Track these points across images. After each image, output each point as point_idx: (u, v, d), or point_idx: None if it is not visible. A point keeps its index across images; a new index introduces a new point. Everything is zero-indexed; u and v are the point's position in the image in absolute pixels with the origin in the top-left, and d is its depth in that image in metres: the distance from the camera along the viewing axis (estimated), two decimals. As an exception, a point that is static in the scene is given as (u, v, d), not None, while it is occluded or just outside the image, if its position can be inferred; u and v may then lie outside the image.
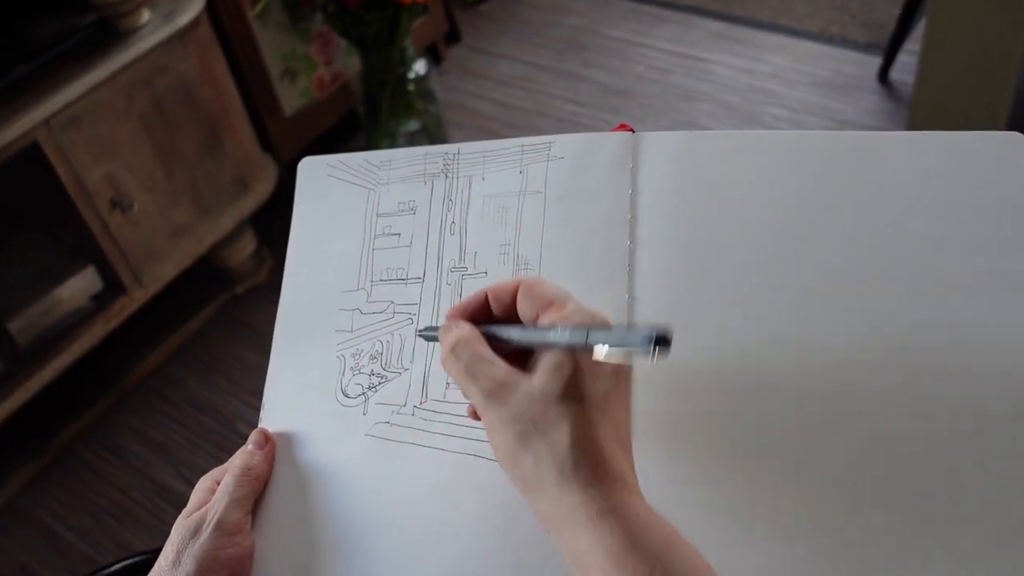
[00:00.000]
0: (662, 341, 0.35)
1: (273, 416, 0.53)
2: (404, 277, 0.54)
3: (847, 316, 0.45)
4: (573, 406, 0.38)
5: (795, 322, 0.46)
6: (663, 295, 0.48)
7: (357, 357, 0.53)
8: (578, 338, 0.38)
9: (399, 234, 0.55)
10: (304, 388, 0.53)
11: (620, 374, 0.40)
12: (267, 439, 0.51)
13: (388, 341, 0.53)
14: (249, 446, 0.51)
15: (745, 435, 0.44)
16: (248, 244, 1.77)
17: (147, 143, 1.49)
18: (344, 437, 0.50)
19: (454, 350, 0.42)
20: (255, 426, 0.53)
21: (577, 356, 0.38)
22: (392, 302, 0.54)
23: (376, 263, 0.55)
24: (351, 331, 0.54)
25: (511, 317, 0.42)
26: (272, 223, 1.78)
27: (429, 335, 0.48)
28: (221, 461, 0.51)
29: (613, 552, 0.35)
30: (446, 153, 0.56)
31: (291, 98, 1.89)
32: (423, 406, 0.50)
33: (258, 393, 0.55)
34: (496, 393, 0.40)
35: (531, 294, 0.42)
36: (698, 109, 2.09)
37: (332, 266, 0.56)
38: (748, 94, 2.11)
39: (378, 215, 0.56)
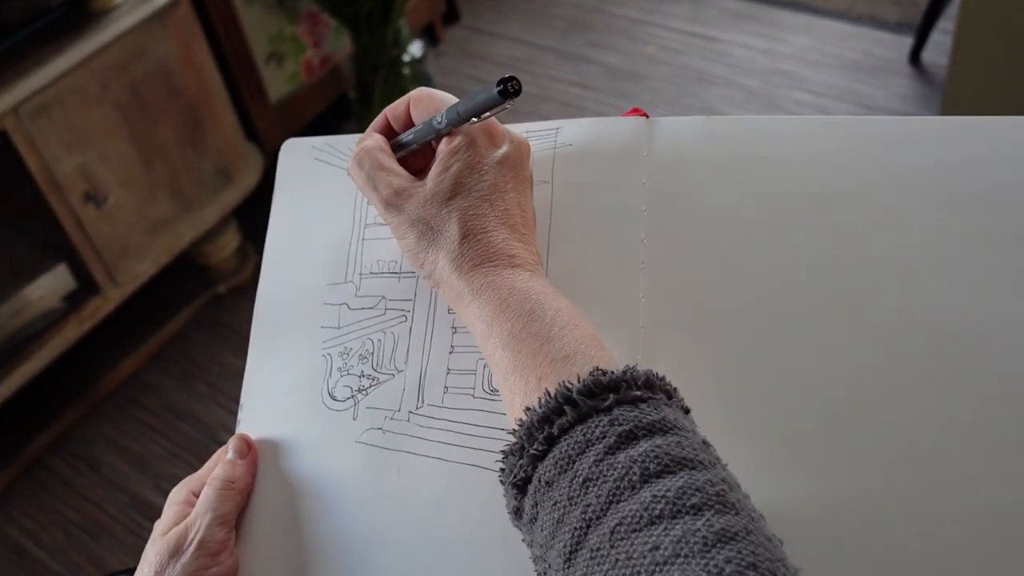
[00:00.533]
0: (510, 87, 0.42)
1: (252, 420, 0.53)
2: (397, 271, 0.54)
3: (873, 313, 0.45)
4: (460, 202, 0.45)
5: (819, 320, 0.45)
6: (680, 293, 0.48)
7: (345, 356, 0.52)
8: (451, 115, 0.45)
9: (392, 224, 0.52)
10: (286, 389, 0.53)
11: (506, 165, 0.46)
12: (249, 447, 0.51)
13: (380, 340, 0.52)
14: (230, 454, 0.50)
15: (769, 435, 0.44)
16: (231, 240, 1.77)
17: (123, 132, 1.48)
18: (332, 444, 0.50)
19: (357, 159, 0.48)
20: (235, 432, 0.52)
21: (463, 155, 0.45)
22: (384, 297, 0.53)
23: (366, 255, 0.55)
24: (338, 327, 0.53)
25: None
26: (257, 217, 1.76)
27: None
28: None
29: (484, 319, 0.42)
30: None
31: (277, 83, 1.88)
32: (419, 411, 0.49)
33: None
34: (394, 201, 0.46)
35: (420, 103, 0.48)
36: (714, 93, 2.07)
37: (317, 257, 0.56)
38: (768, 77, 2.09)
39: (369, 203, 0.55)
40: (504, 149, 0.47)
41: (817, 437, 0.43)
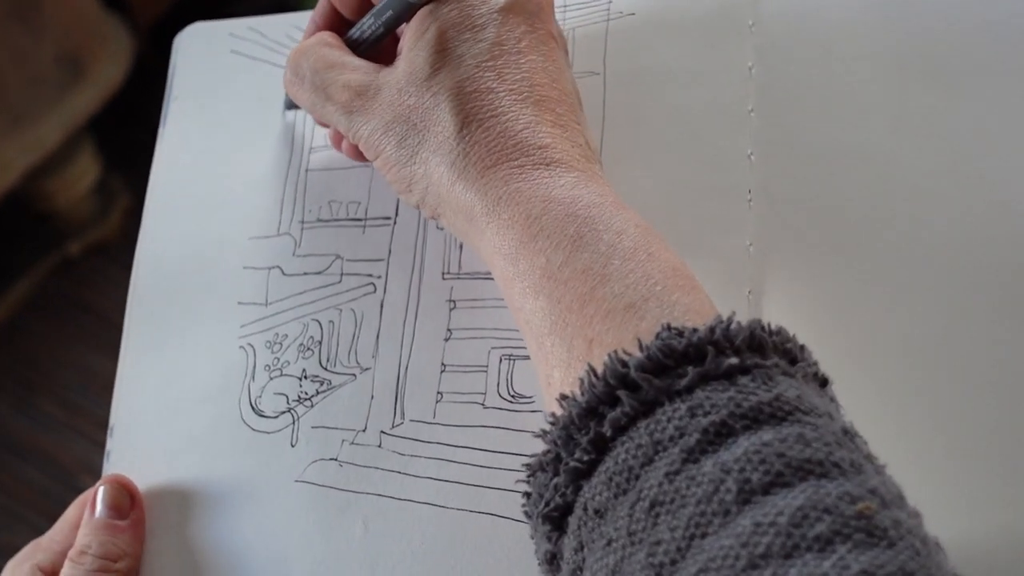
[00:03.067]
0: None
1: (130, 453, 0.52)
2: (360, 216, 0.54)
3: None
4: (449, 76, 0.44)
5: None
6: (805, 237, 0.48)
7: (276, 348, 0.52)
8: None
9: (352, 147, 0.54)
10: (183, 402, 0.53)
11: (514, 12, 0.45)
12: (132, 498, 0.50)
13: (332, 322, 0.52)
14: (101, 511, 0.50)
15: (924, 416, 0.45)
16: (86, 171, 1.70)
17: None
18: (259, 487, 0.50)
19: (294, 66, 0.48)
20: None
21: (444, 9, 0.44)
22: (339, 256, 0.53)
23: (312, 193, 0.55)
24: (265, 303, 0.53)
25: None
26: (125, 134, 1.69)
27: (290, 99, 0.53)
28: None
29: (505, 251, 0.41)
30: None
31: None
32: (396, 432, 0.49)
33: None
34: (357, 104, 0.46)
35: None
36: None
37: (233, 198, 0.56)
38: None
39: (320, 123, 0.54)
40: None
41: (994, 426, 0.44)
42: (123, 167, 1.71)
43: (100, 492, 0.50)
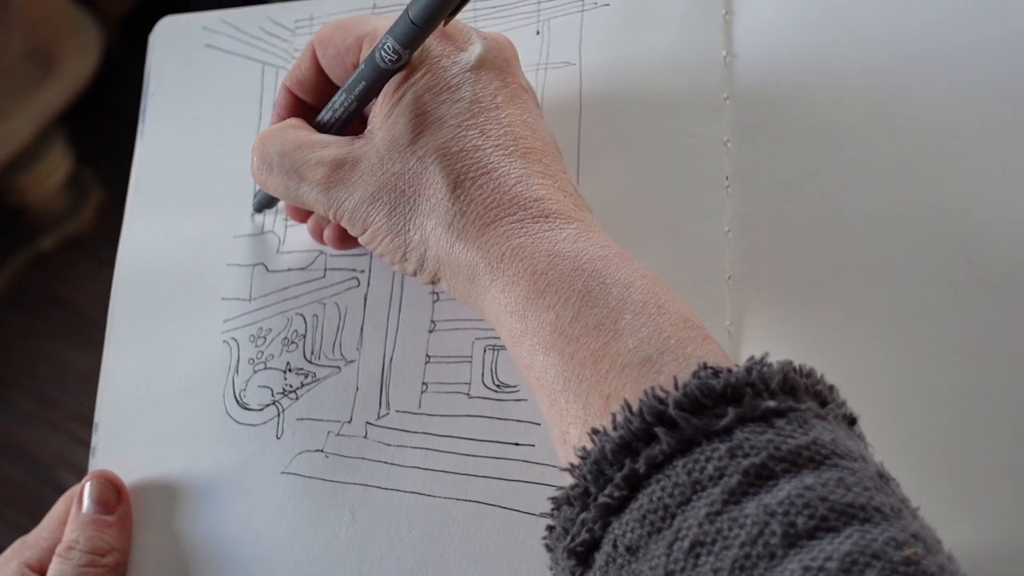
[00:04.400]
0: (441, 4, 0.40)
1: (116, 448, 0.52)
2: None
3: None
4: (433, 138, 0.43)
5: (990, 273, 0.46)
6: (786, 226, 0.48)
7: (260, 343, 0.52)
8: (401, 33, 0.42)
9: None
10: (167, 396, 0.53)
11: (485, 69, 0.45)
12: (119, 493, 0.50)
13: (316, 316, 0.52)
14: (88, 507, 0.50)
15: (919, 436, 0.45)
16: (57, 165, 1.68)
17: None
18: (245, 479, 0.50)
19: (260, 154, 0.47)
20: (87, 472, 0.52)
21: (415, 77, 0.44)
22: (322, 252, 0.53)
23: None
24: (249, 299, 0.53)
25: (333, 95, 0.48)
26: (97, 128, 1.70)
27: (260, 198, 0.53)
28: None
29: (513, 308, 0.41)
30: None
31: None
32: (382, 423, 0.49)
33: (91, 417, 0.54)
34: (335, 178, 0.44)
35: (329, 44, 0.47)
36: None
37: (216, 195, 0.56)
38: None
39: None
40: (476, 49, 0.46)
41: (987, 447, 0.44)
42: (95, 160, 1.69)
43: (87, 487, 0.50)
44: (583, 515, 0.36)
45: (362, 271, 0.52)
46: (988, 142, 0.47)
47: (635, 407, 0.36)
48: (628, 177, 0.50)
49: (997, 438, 0.44)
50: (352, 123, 0.47)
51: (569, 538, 0.37)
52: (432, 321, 0.49)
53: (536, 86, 0.52)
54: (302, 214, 0.49)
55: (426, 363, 0.49)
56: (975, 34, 0.49)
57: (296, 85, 0.49)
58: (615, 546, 0.35)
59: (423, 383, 0.49)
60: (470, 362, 0.48)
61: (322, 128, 0.48)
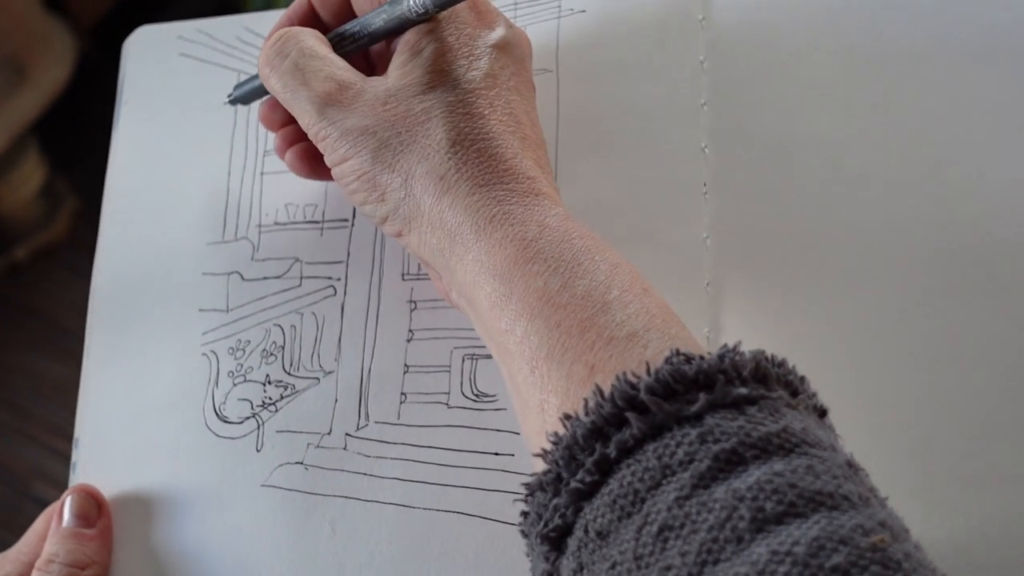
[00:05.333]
0: None
1: (97, 462, 0.52)
2: (318, 219, 0.54)
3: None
4: (445, 94, 0.44)
5: (971, 274, 0.46)
6: (762, 229, 0.48)
7: (239, 355, 0.52)
8: (414, 3, 0.43)
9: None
10: (147, 409, 0.52)
11: (506, 53, 0.46)
12: (100, 507, 0.50)
13: (294, 326, 0.52)
14: (68, 521, 0.49)
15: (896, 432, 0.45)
16: (31, 174, 1.68)
17: None
18: (225, 492, 0.50)
19: (278, 46, 0.46)
20: (64, 485, 0.52)
21: (442, 33, 0.44)
22: (298, 259, 0.53)
23: (268, 196, 0.55)
24: (226, 310, 0.53)
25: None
26: (70, 136, 1.70)
27: (241, 91, 0.53)
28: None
29: (498, 270, 0.41)
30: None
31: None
32: (361, 434, 0.49)
33: (67, 430, 0.54)
34: (335, 97, 0.45)
35: None
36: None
37: (189, 203, 0.56)
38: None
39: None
40: (501, 31, 0.47)
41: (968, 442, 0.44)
42: (69, 169, 1.69)
43: (67, 501, 0.49)
44: (555, 500, 0.37)
45: (338, 279, 0.52)
46: (966, 147, 0.47)
47: (607, 392, 0.36)
48: (606, 183, 0.50)
49: (971, 435, 0.44)
50: (356, 58, 0.48)
51: (542, 523, 0.37)
52: (410, 330, 0.49)
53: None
54: (275, 123, 0.50)
55: (404, 373, 0.49)
56: (951, 38, 0.49)
57: (318, 2, 0.49)
58: (586, 531, 0.36)
59: (402, 393, 0.49)
60: (449, 372, 0.48)
61: (334, 42, 0.48)
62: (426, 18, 0.44)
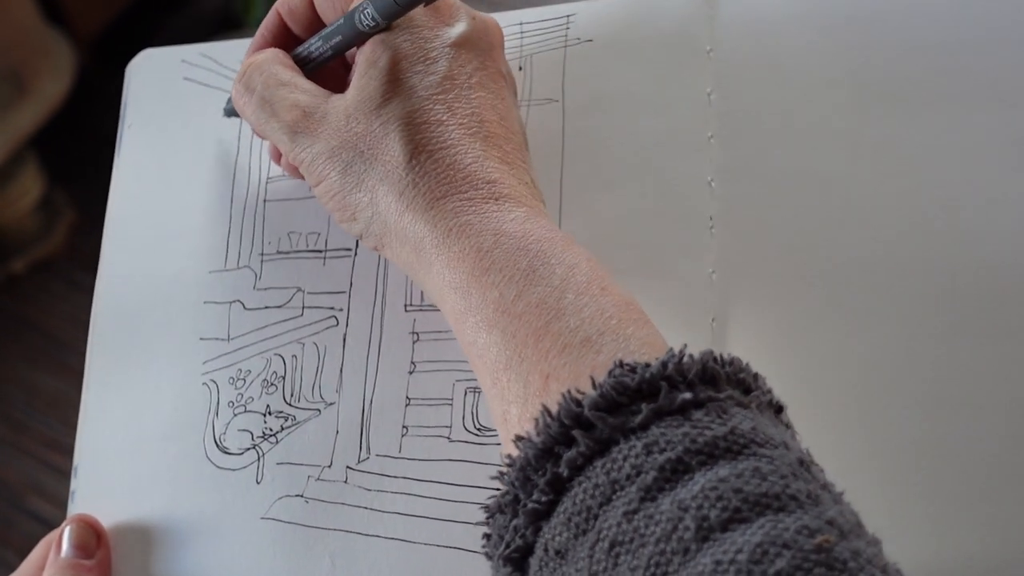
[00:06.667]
0: None
1: (95, 491, 0.52)
2: (321, 248, 0.54)
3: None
4: (400, 106, 0.44)
5: (983, 310, 0.46)
6: (769, 266, 0.48)
7: (240, 384, 0.52)
8: (383, 2, 0.44)
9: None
10: (146, 438, 0.52)
11: (466, 48, 0.46)
12: (99, 538, 0.50)
13: (295, 356, 0.52)
14: (67, 551, 0.49)
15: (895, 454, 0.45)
16: (29, 187, 1.68)
17: None
18: (225, 524, 0.50)
19: (244, 80, 0.48)
20: (59, 499, 0.53)
21: (396, 41, 0.45)
22: (300, 289, 0.53)
23: (271, 224, 0.55)
24: (227, 339, 0.53)
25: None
26: (69, 149, 1.72)
27: (232, 108, 0.54)
28: (3, 564, 0.48)
29: (457, 284, 0.42)
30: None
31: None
32: (362, 467, 0.49)
33: (62, 443, 0.56)
34: (302, 125, 0.46)
35: None
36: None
37: (191, 230, 0.56)
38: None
39: (268, 143, 0.54)
40: (461, 26, 0.47)
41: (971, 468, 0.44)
42: (67, 182, 1.70)
43: (66, 531, 0.49)
44: (515, 521, 0.37)
45: (340, 309, 0.52)
46: (975, 186, 0.47)
47: (553, 410, 0.36)
48: (611, 215, 0.50)
49: (980, 476, 0.44)
50: (333, 64, 0.49)
51: (504, 545, 0.37)
52: (412, 362, 0.49)
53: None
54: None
55: (406, 406, 0.49)
56: (962, 76, 0.49)
57: (287, 12, 0.50)
58: (546, 550, 0.36)
59: (403, 426, 0.49)
60: (451, 405, 0.48)
61: (299, 62, 0.49)
62: (380, 30, 0.45)
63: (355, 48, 0.47)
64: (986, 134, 0.48)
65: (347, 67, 0.49)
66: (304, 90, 0.47)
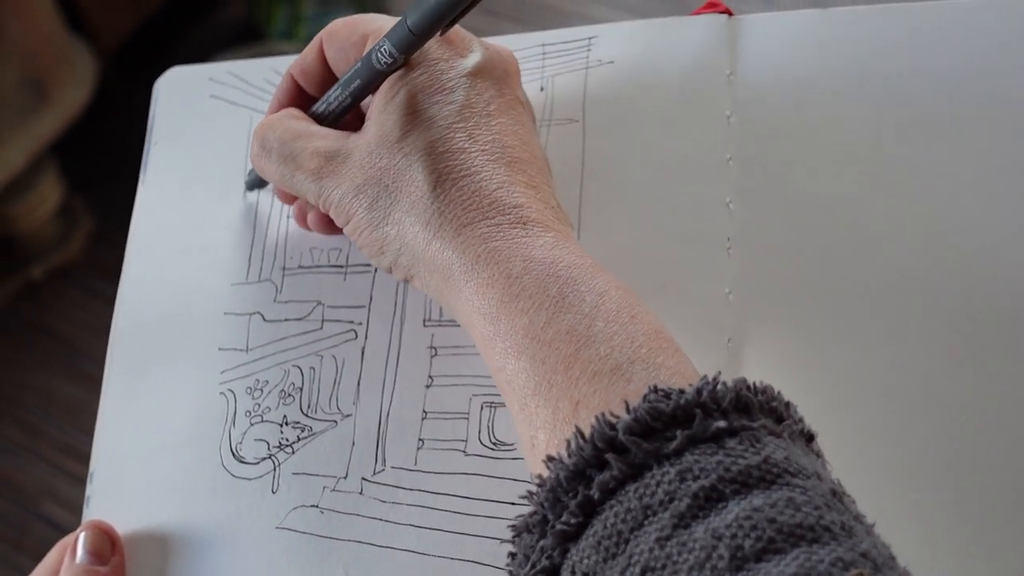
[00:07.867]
0: (439, 10, 0.41)
1: (111, 498, 0.52)
2: (342, 264, 0.54)
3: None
4: (421, 137, 0.44)
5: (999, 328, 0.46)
6: (786, 287, 0.48)
7: (257, 395, 0.52)
8: (398, 38, 0.44)
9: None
10: (163, 446, 0.52)
11: (482, 77, 0.46)
12: (113, 544, 0.50)
13: (314, 368, 0.52)
14: (82, 557, 0.49)
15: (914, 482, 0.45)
16: (49, 194, 1.69)
17: None
18: (240, 533, 0.50)
19: (260, 139, 0.48)
20: (73, 505, 0.53)
21: (413, 76, 0.45)
22: (320, 303, 0.53)
23: (293, 240, 0.55)
24: (246, 350, 0.53)
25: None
26: (89, 157, 1.73)
27: (253, 175, 0.55)
28: (18, 569, 0.48)
29: (486, 311, 0.42)
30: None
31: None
32: (378, 479, 0.49)
33: (77, 449, 0.55)
34: (327, 169, 0.46)
35: (336, 39, 0.48)
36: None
37: (215, 244, 0.56)
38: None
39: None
40: (475, 56, 0.47)
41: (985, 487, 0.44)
42: (86, 190, 1.71)
43: (81, 538, 0.49)
44: (542, 542, 0.37)
45: (360, 323, 0.52)
46: (992, 213, 0.47)
47: (586, 432, 0.36)
48: (629, 235, 0.50)
49: (996, 503, 0.44)
50: (348, 118, 0.49)
51: (530, 565, 0.37)
52: (430, 376, 0.49)
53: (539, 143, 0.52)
54: (290, 196, 0.51)
55: (423, 419, 0.49)
56: (980, 105, 0.49)
57: (300, 74, 0.50)
58: (573, 572, 0.36)
59: (419, 439, 0.49)
60: (467, 419, 0.48)
61: (317, 118, 0.49)
62: (398, 66, 0.45)
63: (371, 96, 0.47)
64: (1003, 160, 0.48)
65: (361, 119, 0.49)
66: (322, 136, 0.47)
